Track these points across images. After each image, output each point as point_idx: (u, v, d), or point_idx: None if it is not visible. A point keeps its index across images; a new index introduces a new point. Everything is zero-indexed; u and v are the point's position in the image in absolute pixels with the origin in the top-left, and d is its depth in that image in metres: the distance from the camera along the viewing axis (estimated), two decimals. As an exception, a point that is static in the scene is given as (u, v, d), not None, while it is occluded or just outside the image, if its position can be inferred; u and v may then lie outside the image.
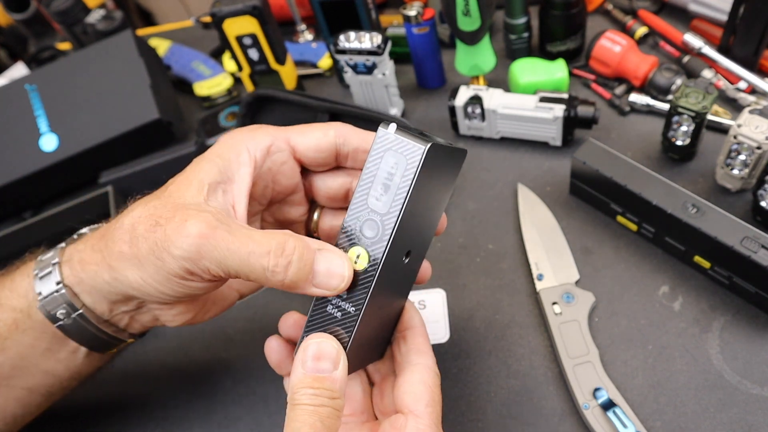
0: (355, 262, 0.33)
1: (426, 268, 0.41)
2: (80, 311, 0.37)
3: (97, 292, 0.37)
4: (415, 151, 0.32)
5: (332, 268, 0.32)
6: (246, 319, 0.58)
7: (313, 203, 0.42)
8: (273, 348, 0.37)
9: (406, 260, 0.35)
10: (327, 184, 0.40)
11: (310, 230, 0.42)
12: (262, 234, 0.32)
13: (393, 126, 0.32)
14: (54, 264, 0.38)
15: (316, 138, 0.37)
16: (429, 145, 0.31)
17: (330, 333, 0.34)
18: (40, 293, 0.37)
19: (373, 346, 0.38)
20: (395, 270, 0.34)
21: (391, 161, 0.32)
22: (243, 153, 0.35)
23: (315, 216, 0.42)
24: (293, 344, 0.38)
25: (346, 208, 0.41)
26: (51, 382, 0.42)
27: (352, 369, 0.35)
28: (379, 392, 0.39)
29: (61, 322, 0.38)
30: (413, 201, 0.32)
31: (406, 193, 0.32)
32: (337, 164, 0.39)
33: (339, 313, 0.33)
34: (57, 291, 0.37)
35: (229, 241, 0.31)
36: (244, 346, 0.56)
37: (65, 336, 0.39)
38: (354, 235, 0.33)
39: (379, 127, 0.33)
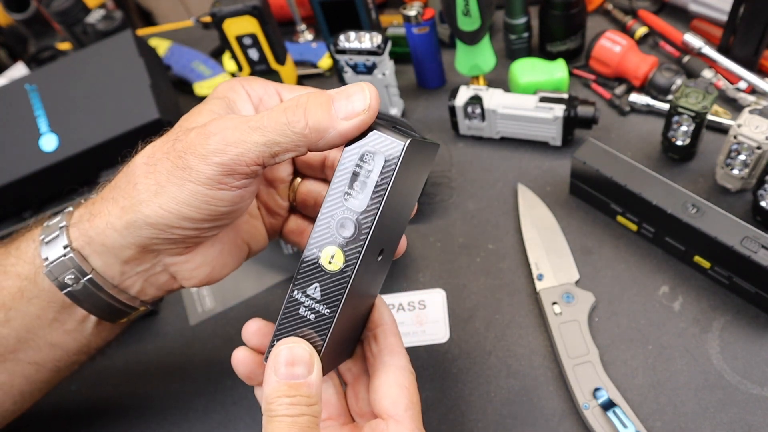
0: (330, 262, 0.32)
1: (402, 242, 0.39)
2: (90, 276, 0.36)
3: (108, 251, 0.35)
4: (394, 146, 0.30)
5: (351, 93, 0.31)
6: (246, 320, 0.57)
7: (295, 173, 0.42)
8: (240, 359, 0.36)
9: (380, 258, 0.34)
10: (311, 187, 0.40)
11: (289, 198, 0.42)
12: (277, 105, 0.33)
13: None
14: (61, 227, 0.36)
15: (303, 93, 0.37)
16: (408, 141, 0.30)
17: (303, 336, 0.33)
18: (46, 258, 0.36)
19: (345, 346, 0.37)
20: (369, 269, 0.33)
21: (368, 157, 0.31)
22: (242, 93, 0.36)
23: (297, 181, 0.42)
24: (261, 353, 0.37)
25: (321, 180, 0.41)
26: (59, 356, 0.40)
27: (325, 371, 0.34)
28: (353, 393, 0.39)
29: (69, 289, 0.36)
30: (391, 198, 0.31)
31: (385, 191, 0.31)
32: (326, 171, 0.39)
33: (312, 315, 0.32)
34: (65, 255, 0.35)
35: (249, 121, 0.31)
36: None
37: (73, 304, 0.37)
38: (328, 234, 0.32)
39: None
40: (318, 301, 0.32)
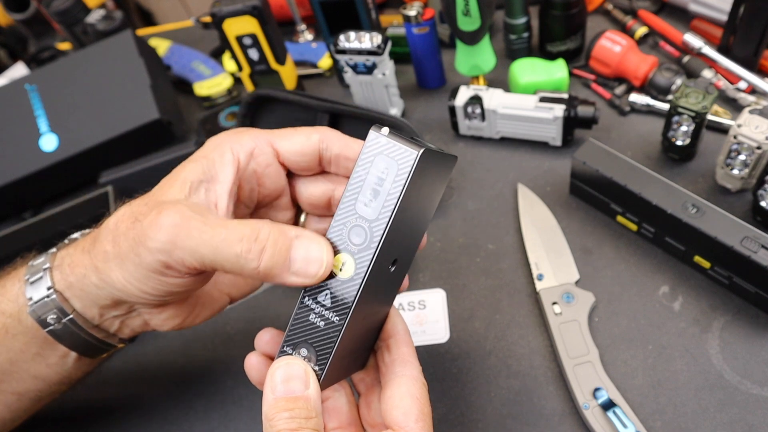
0: (341, 270, 0.32)
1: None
2: (70, 316, 0.37)
3: (87, 296, 0.37)
4: (408, 155, 0.30)
5: (311, 254, 0.31)
6: (246, 320, 0.58)
7: (299, 209, 0.42)
8: (253, 365, 0.36)
9: (392, 269, 0.34)
10: (309, 191, 0.39)
11: None
12: (237, 222, 0.32)
13: (386, 129, 0.31)
14: (45, 269, 0.38)
15: (299, 142, 0.36)
16: (422, 151, 0.30)
17: (312, 343, 0.33)
18: (30, 298, 0.37)
19: (356, 355, 0.37)
20: (381, 278, 0.33)
21: (382, 166, 0.31)
22: (227, 153, 0.35)
23: (301, 220, 0.41)
24: (272, 359, 0.37)
25: (330, 216, 0.40)
26: (40, 387, 0.42)
27: (334, 380, 0.34)
28: (365, 403, 0.38)
29: (51, 328, 0.38)
30: (403, 208, 0.31)
31: (397, 200, 0.30)
32: (322, 169, 0.38)
33: (322, 323, 0.32)
34: (48, 296, 0.37)
35: (202, 230, 0.31)
36: (245, 346, 0.55)
37: (55, 341, 0.39)
38: (340, 241, 0.32)
39: (371, 130, 0.31)
40: (328, 309, 0.32)
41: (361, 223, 0.31)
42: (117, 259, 0.34)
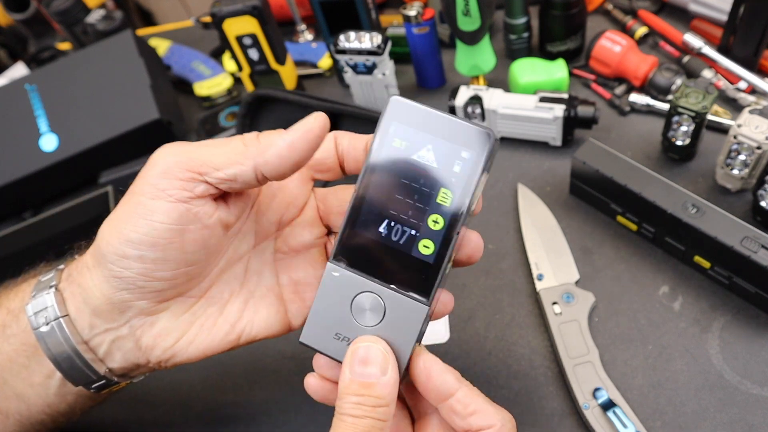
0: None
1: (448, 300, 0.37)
2: (60, 319, 0.35)
3: (81, 294, 0.35)
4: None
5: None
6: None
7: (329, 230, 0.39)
8: (313, 385, 0.35)
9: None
10: (340, 196, 0.38)
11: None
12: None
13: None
14: (58, 269, 0.37)
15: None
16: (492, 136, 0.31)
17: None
18: (33, 295, 0.36)
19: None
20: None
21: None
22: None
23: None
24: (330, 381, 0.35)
25: None
26: (22, 410, 0.39)
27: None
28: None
29: (40, 329, 0.35)
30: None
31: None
32: (341, 170, 0.37)
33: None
34: (47, 292, 0.36)
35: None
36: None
37: (43, 354, 0.36)
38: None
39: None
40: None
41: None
42: (116, 222, 0.33)
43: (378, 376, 0.31)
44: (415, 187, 0.31)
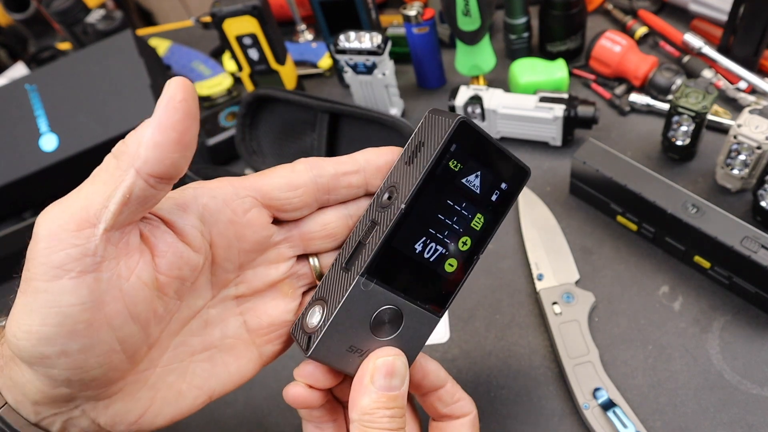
0: None
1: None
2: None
3: (16, 387, 0.29)
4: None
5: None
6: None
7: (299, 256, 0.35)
8: (301, 395, 0.33)
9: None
10: (322, 220, 0.33)
11: (315, 280, 0.35)
12: None
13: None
14: None
15: (284, 175, 0.31)
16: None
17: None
18: None
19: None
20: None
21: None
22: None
23: (314, 263, 0.35)
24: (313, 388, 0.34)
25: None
26: None
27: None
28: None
29: None
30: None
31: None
32: (320, 205, 0.33)
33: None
34: None
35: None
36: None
37: None
38: None
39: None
40: None
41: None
42: (19, 315, 0.27)
43: (399, 387, 0.31)
44: (457, 209, 0.32)
